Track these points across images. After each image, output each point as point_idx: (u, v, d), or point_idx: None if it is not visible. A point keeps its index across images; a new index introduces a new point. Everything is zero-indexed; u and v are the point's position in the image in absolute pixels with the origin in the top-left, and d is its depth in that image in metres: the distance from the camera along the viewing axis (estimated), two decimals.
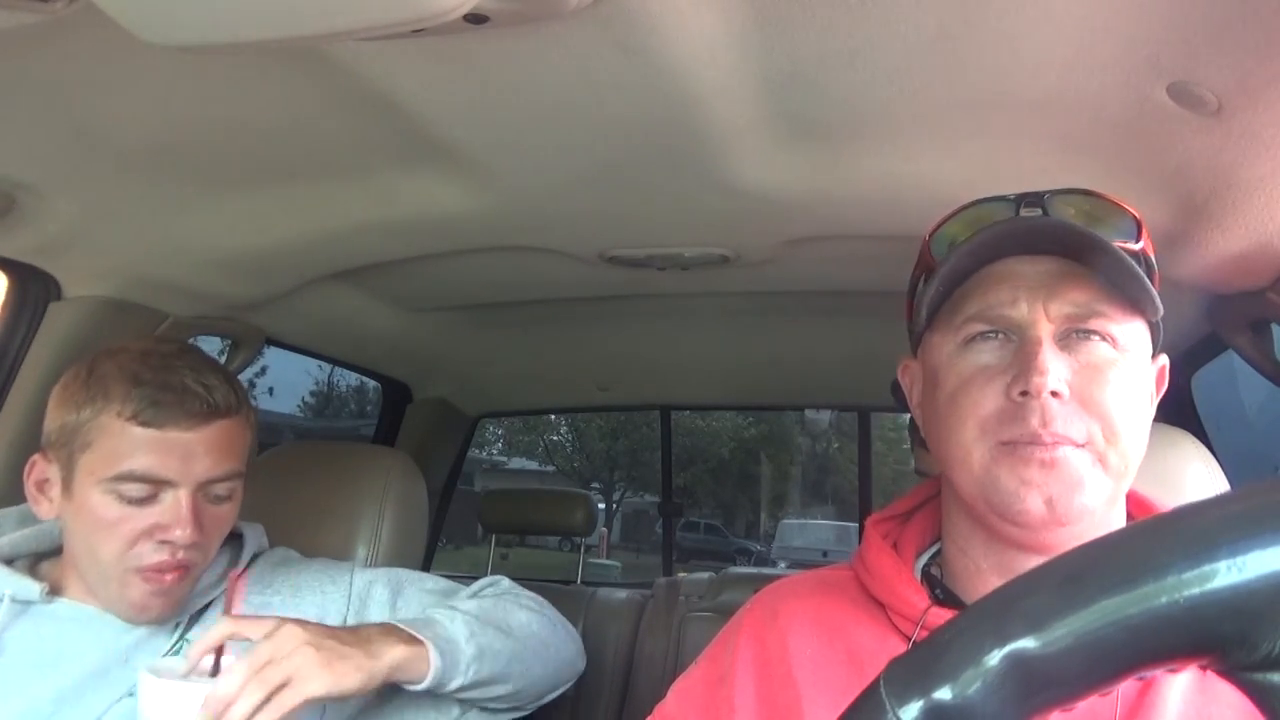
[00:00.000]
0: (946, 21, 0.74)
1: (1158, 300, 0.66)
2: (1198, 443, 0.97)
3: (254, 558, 1.09)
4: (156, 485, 0.91)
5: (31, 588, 0.94)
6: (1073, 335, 0.66)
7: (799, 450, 18.57)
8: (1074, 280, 0.66)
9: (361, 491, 1.27)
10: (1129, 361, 0.67)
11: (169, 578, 0.93)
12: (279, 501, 1.26)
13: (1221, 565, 0.28)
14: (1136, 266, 0.65)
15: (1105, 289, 0.66)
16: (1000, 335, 0.68)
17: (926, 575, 0.75)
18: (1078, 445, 0.65)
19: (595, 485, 18.43)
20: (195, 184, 1.11)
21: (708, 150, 0.97)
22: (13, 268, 1.19)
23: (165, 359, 0.95)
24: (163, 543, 0.92)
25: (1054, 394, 0.64)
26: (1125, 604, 0.29)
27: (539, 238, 1.28)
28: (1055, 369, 0.64)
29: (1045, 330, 0.66)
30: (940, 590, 0.72)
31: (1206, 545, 0.29)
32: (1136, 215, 0.70)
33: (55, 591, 0.96)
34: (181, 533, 0.91)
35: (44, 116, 0.92)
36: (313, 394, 18.47)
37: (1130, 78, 0.79)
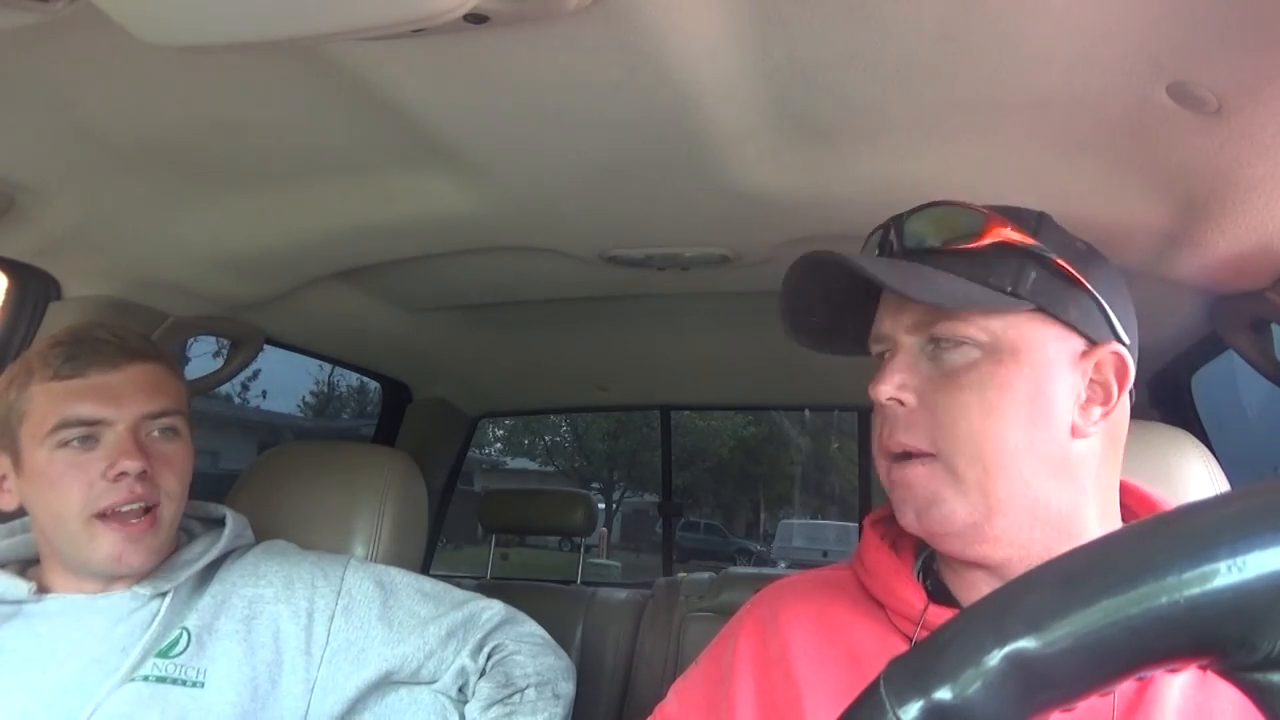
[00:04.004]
0: (946, 21, 0.74)
1: (946, 295, 0.65)
2: (1198, 443, 0.97)
3: (248, 549, 1.10)
4: (93, 427, 0.95)
5: (20, 587, 0.95)
6: (934, 344, 0.67)
7: (799, 450, 18.56)
8: None
9: (361, 491, 1.27)
10: (999, 363, 0.65)
11: (135, 525, 0.95)
12: (279, 501, 1.26)
13: (1221, 565, 0.28)
14: (892, 277, 0.65)
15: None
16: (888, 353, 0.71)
17: (927, 574, 0.75)
18: (927, 455, 0.66)
19: (595, 485, 18.42)
20: (195, 184, 1.11)
21: (708, 150, 0.97)
22: (13, 268, 1.19)
23: (78, 328, 1.02)
24: (117, 479, 0.94)
25: (899, 402, 0.67)
26: (1125, 604, 0.29)
27: (539, 238, 1.28)
28: (892, 378, 0.67)
29: (903, 342, 0.69)
30: (937, 589, 0.72)
31: (1206, 545, 0.29)
32: (984, 212, 0.68)
33: (44, 590, 0.98)
34: (130, 463, 0.94)
35: (44, 116, 0.92)
36: (313, 394, 18.48)
37: (1130, 78, 0.79)
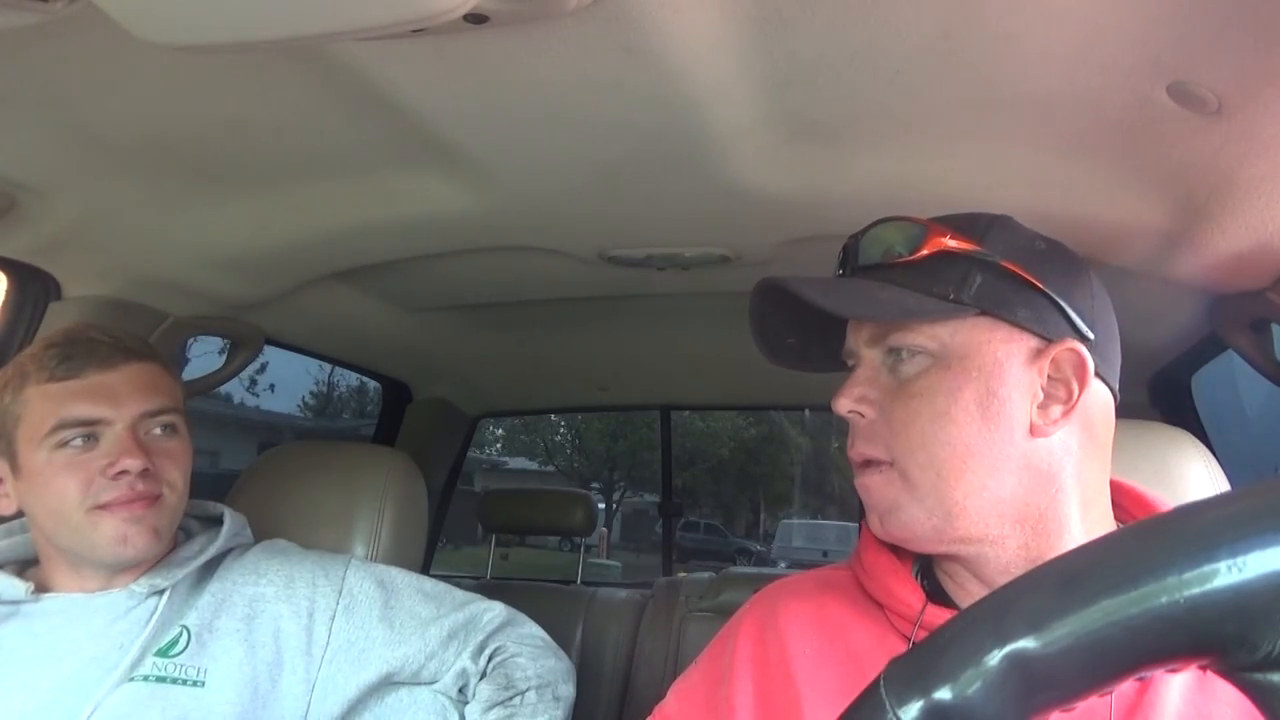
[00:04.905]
0: (946, 21, 0.74)
1: (883, 308, 0.67)
2: (1198, 443, 0.97)
3: (248, 547, 1.10)
4: (92, 426, 0.95)
5: (17, 587, 0.96)
6: (893, 356, 0.69)
7: (799, 450, 18.56)
8: None
9: (361, 491, 1.27)
10: (948, 368, 0.66)
11: (137, 506, 0.95)
12: (279, 501, 1.26)
13: (1221, 565, 0.28)
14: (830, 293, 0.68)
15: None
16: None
17: (925, 574, 0.75)
18: (885, 463, 0.68)
19: (595, 485, 18.41)
20: (195, 184, 1.11)
21: (708, 150, 0.97)
22: (13, 268, 1.19)
23: (71, 329, 1.02)
24: (117, 477, 0.94)
25: (859, 414, 0.69)
26: (1125, 604, 0.29)
27: (539, 238, 1.28)
28: (851, 391, 0.69)
29: (864, 355, 0.70)
30: (935, 589, 0.72)
31: (1206, 545, 0.29)
32: (925, 223, 0.69)
33: (42, 590, 0.98)
34: (131, 461, 0.94)
35: (44, 116, 0.92)
36: (313, 394, 18.47)
37: (1130, 78, 0.79)
